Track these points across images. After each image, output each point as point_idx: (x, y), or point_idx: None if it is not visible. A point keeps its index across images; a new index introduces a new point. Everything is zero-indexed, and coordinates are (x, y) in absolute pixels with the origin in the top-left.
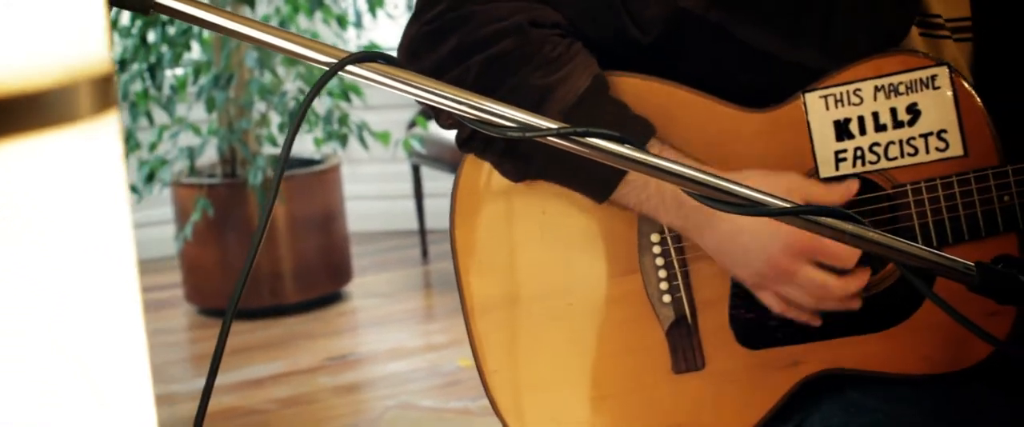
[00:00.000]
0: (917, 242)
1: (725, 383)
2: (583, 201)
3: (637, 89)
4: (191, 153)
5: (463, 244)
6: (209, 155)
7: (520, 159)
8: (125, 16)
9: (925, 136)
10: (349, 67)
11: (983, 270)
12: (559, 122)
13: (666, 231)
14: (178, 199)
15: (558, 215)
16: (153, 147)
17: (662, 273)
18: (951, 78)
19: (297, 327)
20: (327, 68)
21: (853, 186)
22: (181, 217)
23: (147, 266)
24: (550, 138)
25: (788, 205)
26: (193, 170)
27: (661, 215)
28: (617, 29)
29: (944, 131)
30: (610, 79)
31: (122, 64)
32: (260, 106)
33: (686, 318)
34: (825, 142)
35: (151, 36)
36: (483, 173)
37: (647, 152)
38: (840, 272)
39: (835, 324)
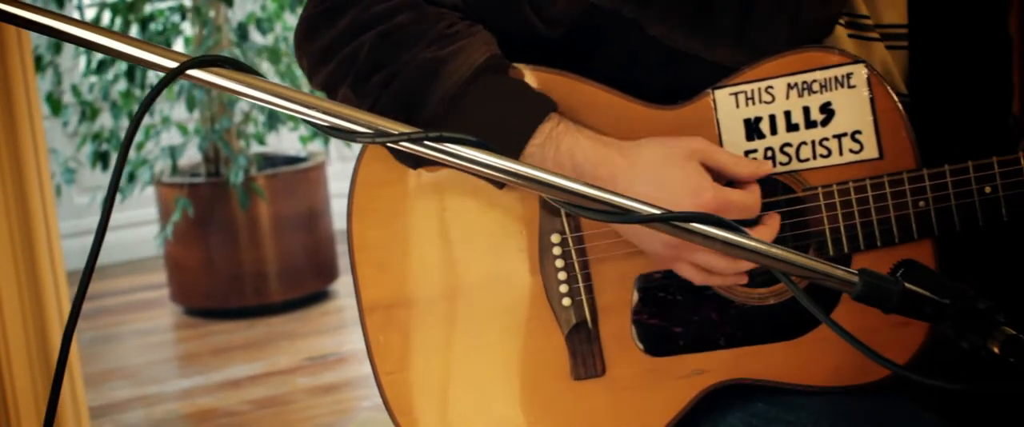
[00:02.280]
0: (828, 248)
1: (626, 391)
2: (484, 199)
3: (541, 81)
4: (173, 152)
5: (360, 240)
6: (195, 155)
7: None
8: (106, 16)
9: (839, 137)
10: (194, 72)
11: (866, 278)
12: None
13: (567, 232)
14: (161, 199)
15: (458, 213)
16: (140, 147)
17: (562, 275)
18: (867, 77)
19: (280, 327)
20: (167, 74)
21: (765, 166)
22: (164, 217)
23: (133, 266)
24: (402, 144)
25: (658, 212)
26: (176, 169)
27: None
28: (521, 22)
29: (858, 132)
30: (514, 68)
31: (101, 65)
32: (243, 105)
33: (587, 323)
34: (734, 142)
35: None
36: (382, 166)
37: (507, 158)
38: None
39: (740, 332)
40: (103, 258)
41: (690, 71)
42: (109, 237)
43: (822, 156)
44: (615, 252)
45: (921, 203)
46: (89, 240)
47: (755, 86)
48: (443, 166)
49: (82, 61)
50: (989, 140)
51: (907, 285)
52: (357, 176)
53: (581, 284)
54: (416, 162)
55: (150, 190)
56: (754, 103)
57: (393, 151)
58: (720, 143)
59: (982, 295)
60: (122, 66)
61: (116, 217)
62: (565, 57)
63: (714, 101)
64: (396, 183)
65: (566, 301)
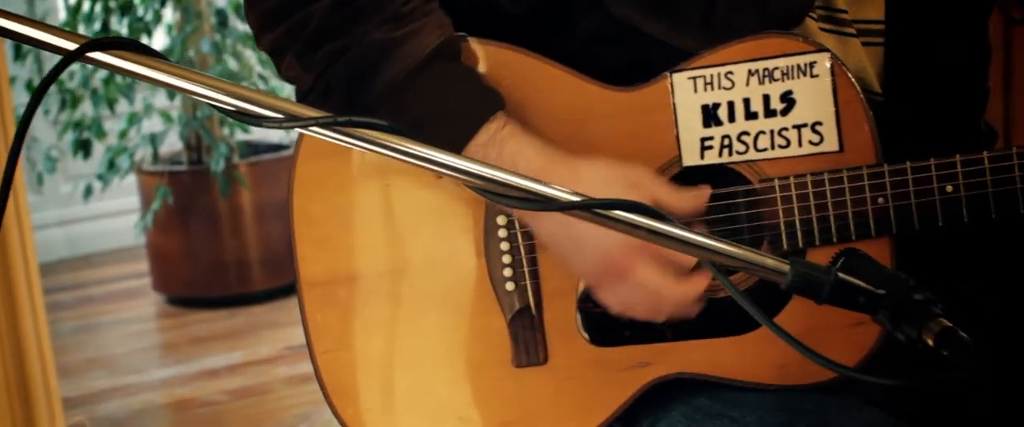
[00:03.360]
0: (782, 241)
1: (567, 381)
2: (430, 177)
3: (496, 57)
4: (154, 140)
5: (300, 215)
6: (178, 142)
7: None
8: (86, 3)
9: (799, 127)
10: (96, 55)
11: (796, 268)
12: (392, 87)
13: (514, 213)
14: (142, 187)
15: (403, 189)
16: (123, 134)
17: (507, 258)
18: (831, 67)
19: (262, 316)
20: (65, 57)
21: (704, 195)
22: (145, 205)
23: (116, 255)
24: (312, 128)
25: (578, 199)
26: (157, 157)
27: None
28: None
29: (819, 123)
30: (468, 45)
31: None
32: None
33: (530, 308)
34: (690, 127)
35: (114, 23)
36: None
37: (418, 143)
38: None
39: (688, 326)
40: (86, 247)
41: (655, 55)
42: (91, 226)
43: (780, 147)
44: None
45: (880, 200)
46: (74, 229)
47: (714, 71)
48: None
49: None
50: (962, 144)
51: (840, 275)
52: (300, 149)
53: (526, 269)
54: None
55: (133, 178)
56: (713, 88)
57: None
58: (676, 128)
59: (921, 286)
60: None
61: (98, 206)
62: (528, 35)
63: (672, 84)
64: (340, 156)
65: (510, 286)
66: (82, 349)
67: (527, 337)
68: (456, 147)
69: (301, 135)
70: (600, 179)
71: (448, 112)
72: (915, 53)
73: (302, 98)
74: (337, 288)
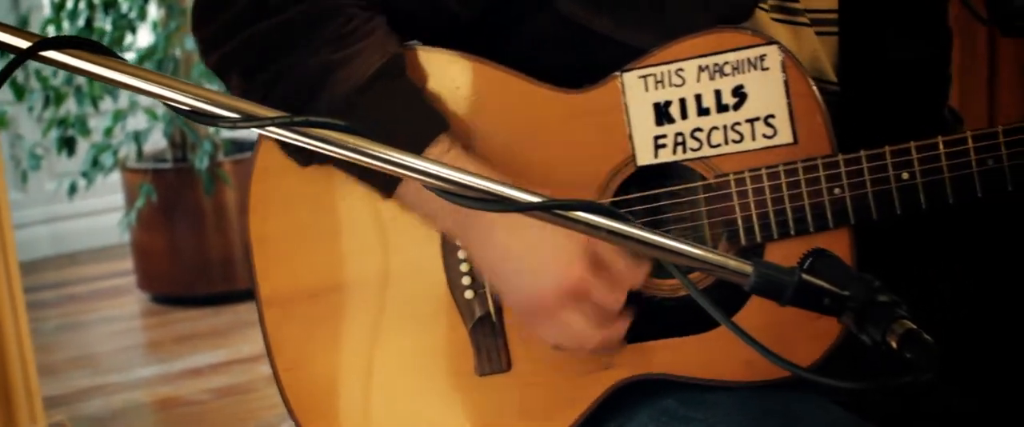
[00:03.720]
0: (739, 237)
1: (532, 386)
2: None
3: (445, 65)
4: (138, 137)
5: (258, 231)
6: (164, 140)
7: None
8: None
9: (751, 121)
10: (49, 54)
11: (759, 270)
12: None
13: (456, 240)
14: (127, 185)
15: (359, 202)
16: (108, 132)
17: (465, 267)
18: (781, 59)
19: (247, 314)
20: (17, 56)
21: (641, 273)
22: (130, 203)
23: (101, 254)
24: (270, 129)
25: (537, 200)
26: (141, 155)
27: (438, 219)
28: (433, 2)
29: (772, 116)
30: (416, 54)
31: None
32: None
33: (490, 316)
34: (643, 126)
35: (98, 20)
36: (281, 155)
37: (376, 144)
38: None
39: (650, 325)
40: (71, 245)
41: (603, 54)
42: (76, 223)
43: (734, 141)
44: None
45: (837, 190)
46: (60, 226)
47: (665, 69)
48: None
49: None
50: (924, 133)
51: (804, 277)
52: (255, 165)
53: (484, 276)
54: (306, 159)
55: (118, 176)
56: (664, 86)
57: (282, 146)
58: (629, 128)
59: (886, 287)
60: None
61: (83, 204)
62: (477, 38)
63: (622, 84)
64: (295, 172)
65: (469, 294)
66: (65, 348)
67: (489, 345)
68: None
69: (256, 153)
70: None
71: (389, 136)
72: (870, 41)
73: None
74: (297, 305)
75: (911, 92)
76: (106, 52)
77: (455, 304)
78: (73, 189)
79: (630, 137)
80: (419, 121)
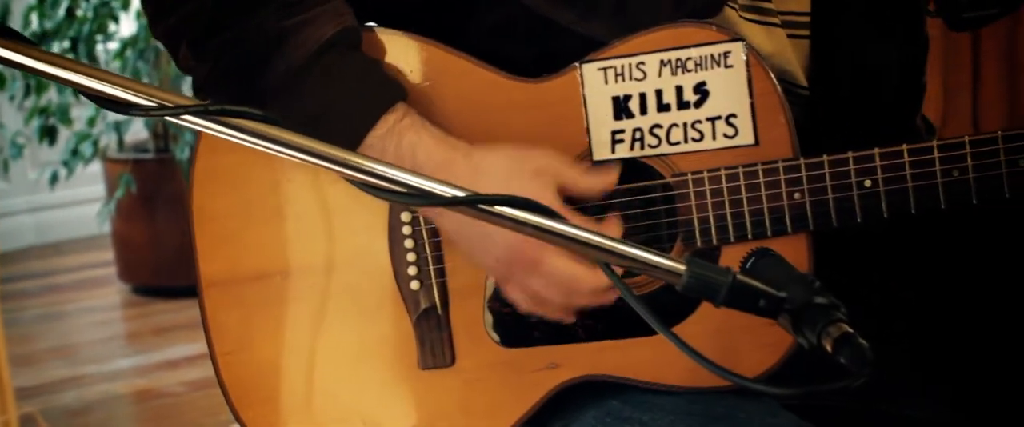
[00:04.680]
0: (695, 238)
1: (475, 383)
2: (333, 172)
3: (402, 47)
4: (119, 127)
5: (200, 211)
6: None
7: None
8: None
9: (713, 120)
10: None
11: (692, 269)
12: (287, 78)
13: (424, 217)
14: (107, 175)
15: (305, 185)
16: (92, 122)
17: (411, 257)
18: (746, 57)
19: None
20: None
21: (613, 175)
22: (111, 193)
23: (84, 244)
24: (184, 117)
25: (461, 194)
26: (122, 145)
27: None
28: None
29: (734, 116)
30: (373, 35)
31: (43, 36)
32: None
33: (436, 308)
34: (601, 120)
35: (81, 9)
36: None
37: (297, 135)
38: None
39: (600, 325)
40: (53, 235)
41: (565, 45)
42: (58, 214)
43: (694, 140)
44: None
45: (796, 195)
46: (43, 216)
47: (625, 61)
48: None
49: (25, 34)
50: (894, 142)
51: (738, 277)
52: (200, 143)
53: (431, 267)
54: None
55: (95, 166)
56: (624, 79)
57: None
58: (586, 121)
59: (826, 289)
60: (63, 40)
61: (66, 193)
62: (438, 26)
63: (581, 75)
64: (241, 151)
65: (415, 284)
66: (43, 338)
67: (433, 338)
68: (354, 139)
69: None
70: (503, 169)
71: (345, 103)
72: (842, 47)
73: (198, 92)
74: (239, 287)
75: (883, 99)
76: (18, 37)
77: (400, 294)
78: (54, 179)
79: (587, 130)
80: (375, 88)
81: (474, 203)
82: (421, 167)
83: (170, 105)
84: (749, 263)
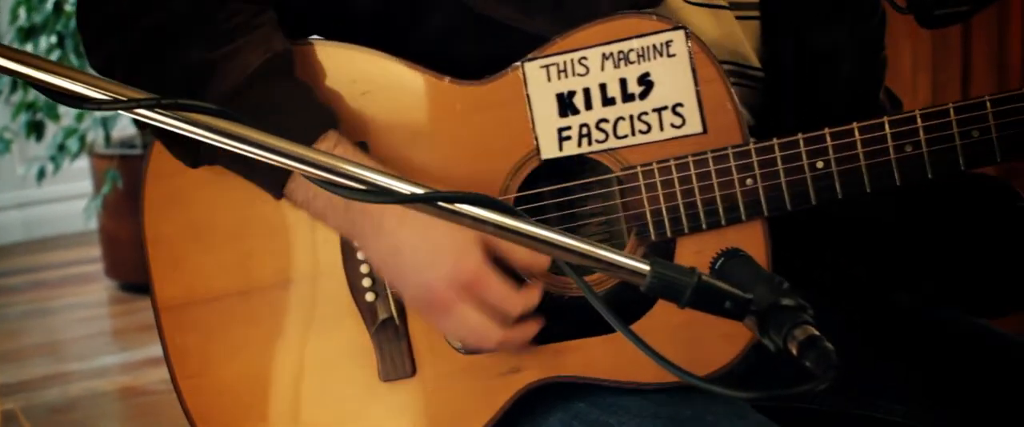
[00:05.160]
0: (649, 232)
1: (438, 392)
2: None
3: (342, 59)
4: (106, 123)
5: (153, 235)
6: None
7: (187, 140)
8: None
9: (659, 111)
10: None
11: (656, 270)
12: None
13: (351, 239)
14: (95, 171)
15: (256, 202)
16: (80, 117)
17: (365, 268)
18: (688, 45)
19: None
20: None
21: (534, 295)
22: (97, 189)
23: (72, 240)
24: (137, 111)
25: (421, 191)
26: (109, 140)
27: (329, 217)
28: None
29: (680, 105)
30: (311, 49)
31: (31, 31)
32: None
33: (393, 319)
34: (546, 118)
35: (69, 4)
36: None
37: (249, 128)
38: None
39: (559, 326)
40: (40, 231)
41: (510, 44)
42: (46, 209)
43: (641, 132)
44: None
45: (748, 181)
46: (32, 211)
47: (567, 57)
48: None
49: (12, 29)
50: (858, 120)
51: (703, 278)
52: (148, 167)
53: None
54: (193, 160)
55: (82, 162)
56: (566, 76)
57: (169, 147)
58: (531, 121)
59: (793, 291)
60: (49, 35)
61: (53, 189)
62: (380, 33)
63: (524, 75)
64: (189, 173)
65: (370, 296)
66: (28, 334)
67: (392, 349)
68: (284, 172)
69: (149, 152)
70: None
71: (275, 133)
72: (792, 26)
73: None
74: (196, 310)
75: (840, 77)
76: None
77: (357, 307)
78: (41, 174)
79: (533, 130)
80: (304, 117)
81: (432, 200)
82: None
83: (124, 98)
84: (718, 264)
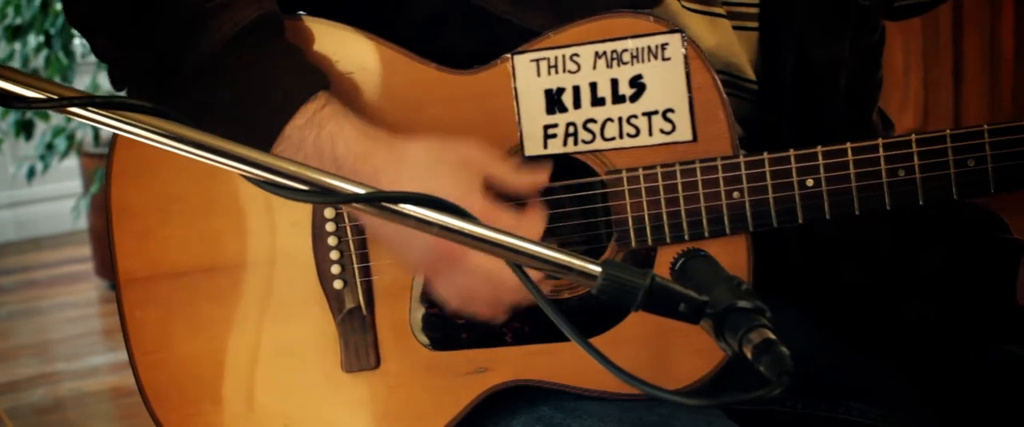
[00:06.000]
0: (630, 238)
1: (400, 387)
2: None
3: (330, 37)
4: None
5: (119, 206)
6: None
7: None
8: None
9: (649, 115)
10: None
11: (607, 271)
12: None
13: (347, 212)
14: (84, 170)
15: (227, 178)
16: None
17: (335, 255)
18: (684, 49)
19: None
20: None
21: (544, 174)
22: (87, 188)
23: (63, 239)
24: (71, 109)
25: (362, 191)
26: (98, 139)
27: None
28: None
29: (671, 110)
30: (301, 23)
31: (18, 30)
32: None
33: (360, 309)
34: (533, 114)
35: (57, 3)
36: None
37: (189, 128)
38: None
39: (529, 328)
40: (31, 230)
41: (501, 36)
42: (37, 209)
43: (630, 135)
44: None
45: (735, 193)
46: (23, 211)
47: (559, 53)
48: None
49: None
50: (847, 139)
51: (656, 280)
52: (117, 136)
53: (355, 265)
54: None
55: (78, 162)
56: (557, 72)
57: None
58: (517, 115)
59: (751, 293)
60: (37, 34)
61: (45, 189)
62: (371, 18)
63: (513, 67)
64: None
65: (338, 283)
66: (16, 335)
67: (357, 340)
68: (271, 130)
69: None
70: (431, 159)
71: (264, 92)
72: (792, 39)
73: (116, 82)
74: (158, 284)
75: (834, 94)
76: None
77: (324, 294)
78: (31, 173)
79: (518, 124)
80: (296, 77)
81: (375, 201)
82: (341, 158)
83: (56, 97)
84: (678, 264)
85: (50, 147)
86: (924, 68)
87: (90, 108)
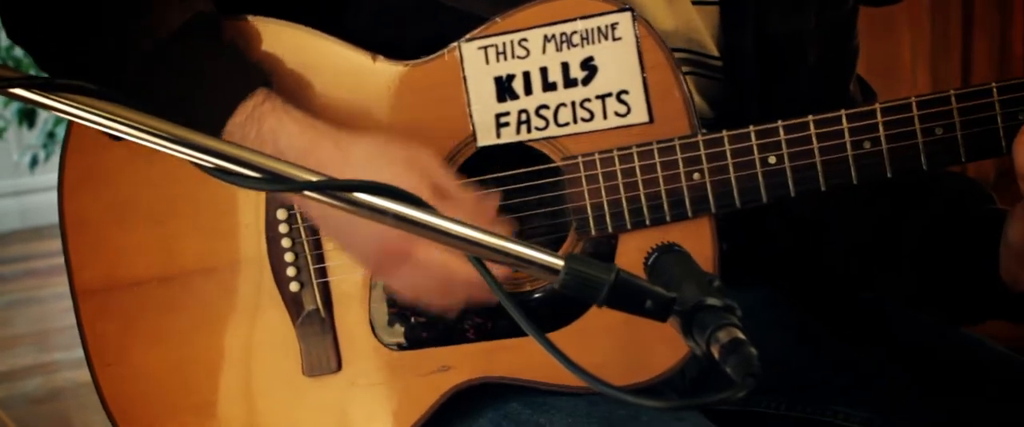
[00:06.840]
0: (589, 226)
1: (363, 388)
2: None
3: (273, 35)
4: None
5: (72, 216)
6: None
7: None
8: None
9: (603, 98)
10: None
11: (570, 265)
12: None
13: (295, 206)
14: None
15: (180, 183)
16: None
17: (290, 257)
18: (635, 28)
19: None
20: None
21: (493, 201)
22: None
23: (53, 231)
24: (12, 90)
25: (316, 178)
26: None
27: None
28: None
29: (625, 92)
30: (243, 24)
31: None
32: None
33: (319, 311)
34: (484, 103)
35: None
36: (97, 132)
37: (134, 111)
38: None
39: (491, 324)
40: (32, 220)
41: (446, 25)
42: (38, 198)
43: (584, 120)
44: None
45: (696, 175)
46: (28, 199)
47: (507, 39)
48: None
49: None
50: (826, 111)
51: (621, 275)
52: (68, 144)
53: (311, 267)
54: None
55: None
56: (506, 58)
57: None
58: (468, 105)
59: (722, 291)
60: None
61: (50, 177)
62: (317, 13)
63: (461, 55)
64: (112, 149)
65: (295, 286)
66: (13, 324)
67: (317, 343)
68: (213, 128)
69: (70, 127)
70: (378, 155)
71: (203, 91)
72: (754, 13)
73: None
74: (116, 296)
75: (804, 66)
76: None
77: (281, 297)
78: (34, 162)
79: (470, 114)
80: (234, 75)
81: (328, 188)
82: (283, 153)
83: None
84: (650, 259)
85: (52, 135)
86: (932, 62)
87: (33, 90)
